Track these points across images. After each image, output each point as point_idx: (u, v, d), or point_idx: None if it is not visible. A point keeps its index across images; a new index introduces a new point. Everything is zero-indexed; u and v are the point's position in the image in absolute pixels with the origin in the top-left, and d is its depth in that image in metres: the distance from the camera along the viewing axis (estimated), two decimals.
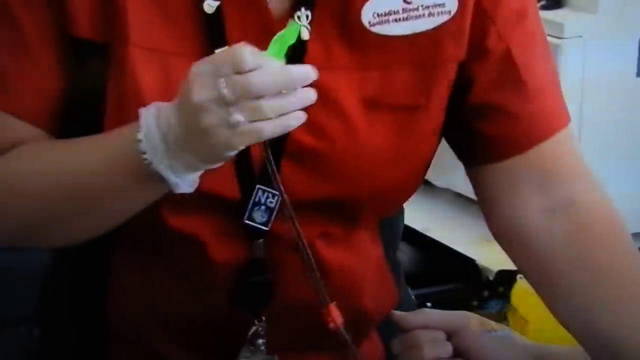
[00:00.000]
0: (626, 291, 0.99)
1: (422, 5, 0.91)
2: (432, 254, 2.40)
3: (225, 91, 0.75)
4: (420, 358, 1.04)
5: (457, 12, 0.92)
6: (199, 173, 0.83)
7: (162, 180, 0.82)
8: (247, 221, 0.93)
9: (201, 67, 0.79)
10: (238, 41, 0.79)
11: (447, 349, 1.05)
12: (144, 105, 0.83)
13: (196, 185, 0.84)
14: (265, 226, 0.94)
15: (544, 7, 2.24)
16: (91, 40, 0.88)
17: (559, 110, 1.02)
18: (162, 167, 0.81)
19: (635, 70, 2.31)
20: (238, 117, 0.76)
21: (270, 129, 0.78)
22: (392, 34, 0.92)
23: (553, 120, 1.01)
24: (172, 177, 0.82)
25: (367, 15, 0.91)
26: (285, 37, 0.82)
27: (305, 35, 0.89)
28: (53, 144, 0.91)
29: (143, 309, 1.01)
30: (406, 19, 0.91)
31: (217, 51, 0.86)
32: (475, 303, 2.32)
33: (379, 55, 0.93)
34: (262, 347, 0.98)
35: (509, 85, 0.98)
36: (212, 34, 0.89)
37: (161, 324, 1.02)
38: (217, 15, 0.88)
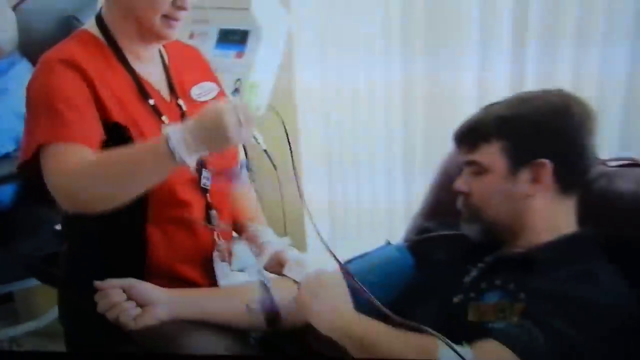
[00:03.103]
0: None
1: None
2: None
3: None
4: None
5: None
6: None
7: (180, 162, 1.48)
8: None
9: (223, 104, 1.50)
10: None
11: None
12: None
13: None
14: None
15: None
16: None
17: None
18: (185, 155, 1.47)
19: None
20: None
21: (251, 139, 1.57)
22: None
23: None
24: (190, 161, 1.49)
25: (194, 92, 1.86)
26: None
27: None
28: (113, 150, 1.57)
29: (170, 253, 1.75)
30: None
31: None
32: None
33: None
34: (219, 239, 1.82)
35: None
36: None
37: (181, 259, 1.77)
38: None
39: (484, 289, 1.50)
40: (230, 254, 1.84)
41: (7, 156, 2.63)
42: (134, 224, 1.72)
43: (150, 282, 1.66)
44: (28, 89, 1.67)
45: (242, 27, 2.63)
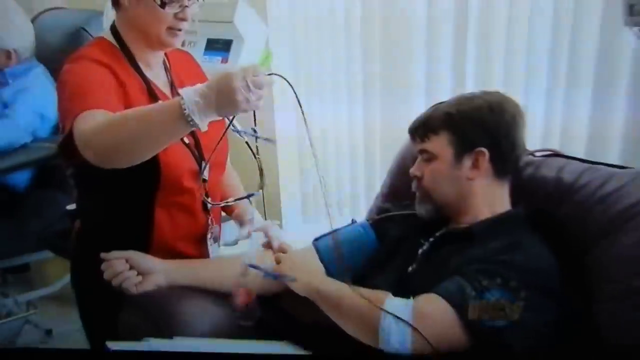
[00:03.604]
0: None
1: None
2: None
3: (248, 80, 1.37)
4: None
5: None
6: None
7: (191, 124, 1.40)
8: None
9: (234, 69, 1.38)
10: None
11: None
12: None
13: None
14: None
15: None
16: None
17: None
18: (196, 117, 1.39)
19: None
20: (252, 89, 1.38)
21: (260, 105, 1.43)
22: None
23: None
24: (201, 123, 1.40)
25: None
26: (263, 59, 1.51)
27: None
28: (131, 109, 1.55)
29: (172, 233, 1.76)
30: None
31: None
32: None
33: None
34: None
35: None
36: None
37: (181, 238, 1.78)
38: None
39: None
40: (218, 236, 1.87)
41: (24, 147, 2.61)
42: (145, 206, 1.72)
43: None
44: (62, 81, 1.65)
45: (226, 37, 2.63)
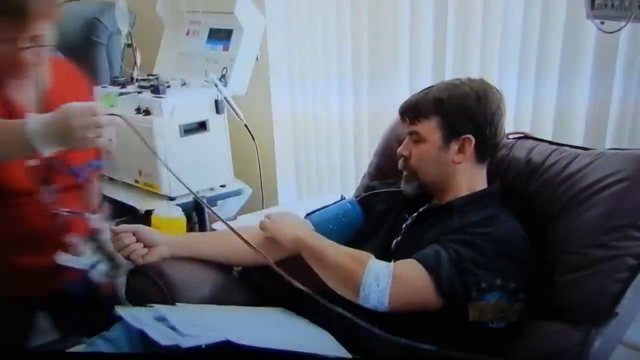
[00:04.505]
0: None
1: None
2: None
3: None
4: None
5: None
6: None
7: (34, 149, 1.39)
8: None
9: (75, 105, 1.38)
10: None
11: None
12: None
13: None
14: None
15: None
16: None
17: None
18: (36, 143, 1.37)
19: None
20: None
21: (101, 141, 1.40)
22: None
23: None
24: (42, 149, 1.38)
25: None
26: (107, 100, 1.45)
27: None
28: None
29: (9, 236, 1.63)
30: None
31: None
32: None
33: None
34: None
35: None
36: None
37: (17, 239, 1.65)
38: None
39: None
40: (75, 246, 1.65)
41: None
42: None
43: None
44: None
45: (227, 27, 2.63)
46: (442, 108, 1.52)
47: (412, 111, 1.56)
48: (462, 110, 1.52)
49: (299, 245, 1.55)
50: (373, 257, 1.44)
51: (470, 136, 1.52)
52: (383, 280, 1.38)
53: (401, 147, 1.61)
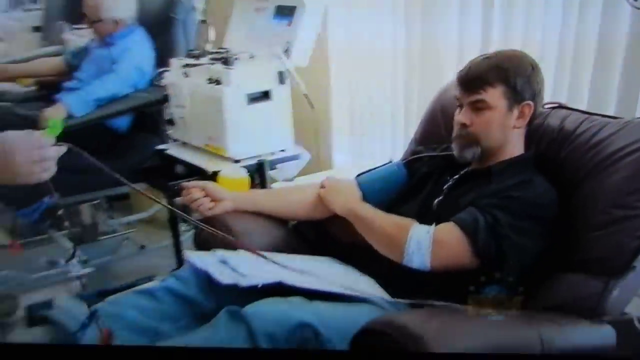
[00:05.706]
0: None
1: None
2: None
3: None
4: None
5: None
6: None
7: None
8: None
9: (20, 135, 1.21)
10: None
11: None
12: None
13: None
14: None
15: None
16: None
17: None
18: None
19: None
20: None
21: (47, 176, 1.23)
22: None
23: None
24: None
25: None
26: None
27: None
28: None
29: None
30: None
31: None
32: None
33: None
34: None
35: None
36: None
37: None
38: None
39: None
40: None
41: (126, 96, 2.75)
42: None
43: None
44: None
45: (291, 4, 2.69)
46: (507, 76, 1.53)
47: (478, 80, 1.56)
48: (524, 78, 1.54)
49: (351, 216, 1.64)
50: (416, 223, 1.50)
51: (530, 102, 1.56)
52: (424, 245, 1.45)
53: (460, 115, 1.60)
